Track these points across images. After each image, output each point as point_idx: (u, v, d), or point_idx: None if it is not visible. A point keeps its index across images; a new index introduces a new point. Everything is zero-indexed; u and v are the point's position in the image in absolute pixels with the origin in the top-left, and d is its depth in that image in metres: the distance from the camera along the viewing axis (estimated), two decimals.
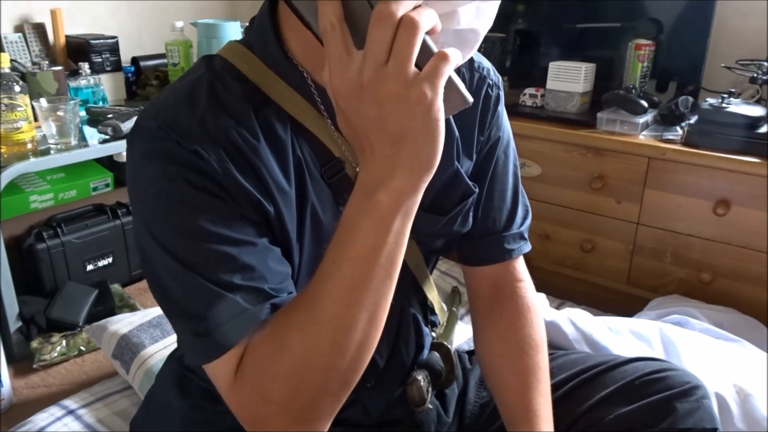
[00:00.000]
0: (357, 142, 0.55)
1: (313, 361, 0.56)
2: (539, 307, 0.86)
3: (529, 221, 0.88)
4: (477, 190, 0.80)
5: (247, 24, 0.70)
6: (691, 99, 1.74)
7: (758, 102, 1.69)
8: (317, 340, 0.55)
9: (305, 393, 0.56)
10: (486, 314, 0.85)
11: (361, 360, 0.58)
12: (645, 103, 1.70)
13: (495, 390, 0.83)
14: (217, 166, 0.58)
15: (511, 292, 0.85)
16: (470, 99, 0.55)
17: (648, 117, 1.74)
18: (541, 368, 0.80)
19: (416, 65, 0.50)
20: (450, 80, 0.53)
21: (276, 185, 0.62)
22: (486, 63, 0.81)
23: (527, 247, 0.87)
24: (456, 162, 0.77)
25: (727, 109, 1.57)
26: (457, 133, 0.76)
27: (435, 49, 0.51)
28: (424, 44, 0.51)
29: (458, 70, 0.78)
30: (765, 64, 1.67)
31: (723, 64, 1.75)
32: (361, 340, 0.56)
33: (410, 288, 0.82)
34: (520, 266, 0.87)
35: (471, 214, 0.81)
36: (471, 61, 0.79)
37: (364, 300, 0.55)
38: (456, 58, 0.51)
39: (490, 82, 0.80)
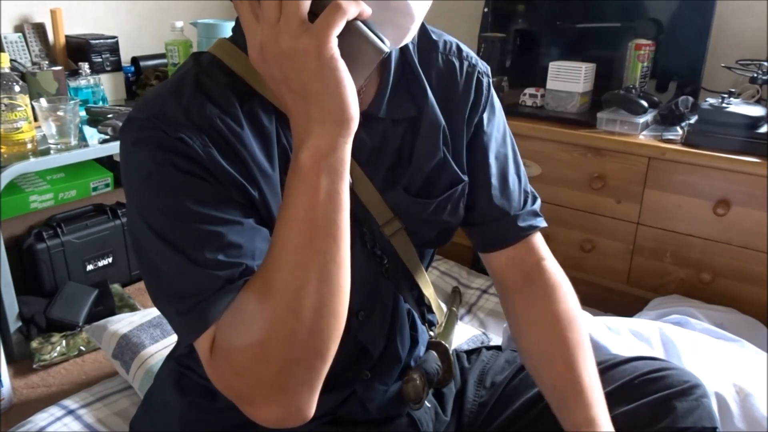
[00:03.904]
0: (283, 108, 0.57)
1: (272, 328, 0.56)
2: (568, 283, 0.84)
3: (539, 203, 0.87)
4: (466, 179, 0.80)
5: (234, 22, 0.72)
6: (691, 99, 1.74)
7: (758, 102, 1.68)
8: (272, 307, 0.56)
9: (273, 362, 0.57)
10: (517, 299, 0.83)
11: (324, 326, 0.58)
12: (645, 103, 1.70)
13: (537, 370, 0.80)
14: (201, 152, 0.61)
15: (539, 273, 0.83)
16: (385, 48, 0.57)
17: (648, 117, 1.74)
18: (584, 343, 0.78)
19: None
20: (360, 32, 0.55)
21: (260, 171, 0.64)
22: (473, 53, 0.83)
23: (542, 222, 0.85)
24: (443, 149, 0.77)
25: (727, 109, 1.57)
26: (443, 122, 0.77)
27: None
28: None
29: (446, 58, 0.79)
30: (765, 64, 1.67)
31: (723, 64, 1.75)
32: (317, 305, 0.57)
33: (404, 282, 0.82)
34: (540, 244, 0.85)
35: (461, 205, 0.81)
36: (459, 50, 0.81)
37: (309, 263, 0.56)
38: (353, 10, 0.53)
39: (480, 70, 0.81)
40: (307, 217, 0.56)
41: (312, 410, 0.60)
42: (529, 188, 0.87)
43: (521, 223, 0.83)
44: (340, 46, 0.53)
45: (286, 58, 0.53)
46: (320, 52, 0.52)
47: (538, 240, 0.86)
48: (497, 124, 0.83)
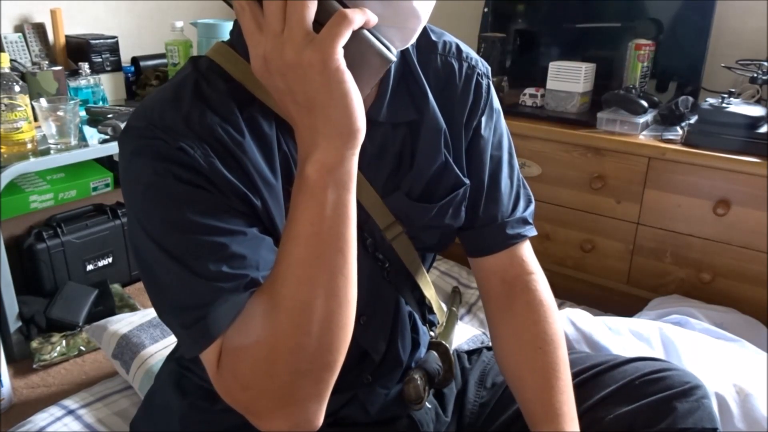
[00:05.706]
0: (288, 119, 0.56)
1: (278, 343, 0.56)
2: (553, 301, 0.83)
3: (532, 209, 0.86)
4: (468, 182, 0.79)
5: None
6: (691, 99, 1.74)
7: (758, 102, 1.68)
8: (279, 322, 0.56)
9: (279, 375, 0.56)
10: (499, 312, 0.83)
11: (332, 338, 0.57)
12: (645, 103, 1.70)
13: (514, 390, 0.81)
14: (203, 162, 0.59)
15: (523, 287, 0.82)
16: (392, 57, 0.56)
17: (648, 117, 1.74)
18: (560, 365, 0.78)
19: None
20: (366, 41, 0.54)
21: (262, 179, 0.63)
22: (473, 53, 0.82)
23: (531, 231, 0.84)
24: (444, 153, 0.77)
25: (727, 109, 1.57)
26: (444, 126, 0.76)
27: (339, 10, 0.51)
28: (328, 6, 0.51)
29: (445, 59, 0.78)
30: (765, 64, 1.67)
31: (723, 64, 1.75)
32: (324, 318, 0.56)
33: (405, 284, 0.82)
34: (529, 257, 0.84)
35: (463, 208, 0.80)
36: (459, 51, 0.80)
37: (317, 277, 0.55)
38: (359, 19, 0.52)
39: (480, 72, 0.80)
40: (314, 231, 0.55)
41: (320, 420, 0.60)
42: (523, 192, 0.86)
43: (509, 231, 0.82)
44: (345, 55, 0.52)
45: (291, 71, 0.52)
46: (326, 64, 0.50)
47: (526, 251, 0.84)
48: (494, 127, 0.82)
